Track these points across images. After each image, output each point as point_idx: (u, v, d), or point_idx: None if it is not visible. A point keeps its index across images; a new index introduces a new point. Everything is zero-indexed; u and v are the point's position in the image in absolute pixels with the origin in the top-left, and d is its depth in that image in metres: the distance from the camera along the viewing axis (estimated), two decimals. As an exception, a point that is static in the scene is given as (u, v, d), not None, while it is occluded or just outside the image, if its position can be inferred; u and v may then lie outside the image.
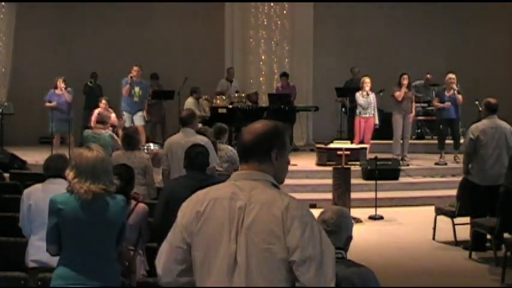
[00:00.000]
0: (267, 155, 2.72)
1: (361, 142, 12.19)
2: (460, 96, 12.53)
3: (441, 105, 12.62)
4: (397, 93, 12.68)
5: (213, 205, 2.68)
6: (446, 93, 12.61)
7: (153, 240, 5.47)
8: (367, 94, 12.72)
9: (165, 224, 5.14)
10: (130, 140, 7.79)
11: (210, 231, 2.65)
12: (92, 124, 12.39)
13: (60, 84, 13.02)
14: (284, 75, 15.07)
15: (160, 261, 2.78)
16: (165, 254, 2.77)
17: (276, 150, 2.74)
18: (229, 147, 8.97)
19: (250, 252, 2.57)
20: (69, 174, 4.03)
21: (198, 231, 2.68)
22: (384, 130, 13.55)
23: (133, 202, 5.35)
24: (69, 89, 13.13)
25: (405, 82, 12.67)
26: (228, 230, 2.62)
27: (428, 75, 15.80)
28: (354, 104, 13.36)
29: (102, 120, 10.25)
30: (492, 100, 8.35)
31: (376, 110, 12.85)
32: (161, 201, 5.59)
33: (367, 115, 12.74)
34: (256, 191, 2.65)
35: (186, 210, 2.75)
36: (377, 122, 12.85)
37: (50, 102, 13.03)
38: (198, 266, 2.68)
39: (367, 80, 12.82)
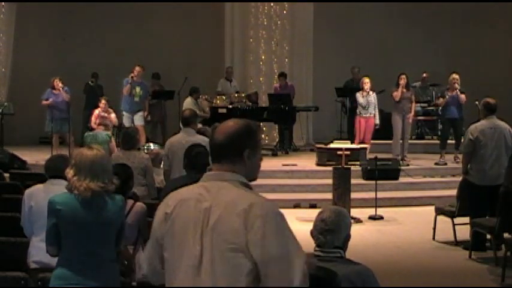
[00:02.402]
0: (239, 155, 2.71)
1: (362, 142, 12.21)
2: (463, 96, 12.54)
3: (443, 101, 12.60)
4: (394, 94, 12.72)
5: (180, 206, 2.69)
6: (449, 93, 12.62)
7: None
8: (368, 93, 12.80)
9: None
10: (128, 139, 7.79)
11: (177, 233, 2.67)
12: (92, 124, 12.45)
13: (58, 84, 13.03)
14: (282, 75, 15.07)
15: (144, 263, 2.87)
16: (145, 250, 2.86)
17: (249, 150, 2.72)
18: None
19: (214, 253, 2.57)
20: (69, 172, 4.05)
21: (166, 232, 2.70)
22: (384, 130, 13.57)
23: (130, 201, 5.34)
24: (66, 88, 13.12)
25: (402, 82, 12.70)
26: (193, 231, 2.62)
27: (424, 74, 15.78)
28: (354, 104, 13.43)
29: (104, 123, 11.22)
30: (491, 100, 8.34)
31: (376, 110, 12.95)
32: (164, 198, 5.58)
33: (368, 115, 12.81)
34: (222, 192, 2.65)
35: (158, 211, 2.78)
36: (377, 121, 12.95)
37: (47, 100, 13.05)
38: (167, 267, 2.71)
39: (366, 80, 12.93)
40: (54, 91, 13.05)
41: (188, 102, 14.15)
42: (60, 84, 13.02)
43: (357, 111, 12.97)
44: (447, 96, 12.58)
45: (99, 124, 11.24)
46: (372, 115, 12.87)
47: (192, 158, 5.62)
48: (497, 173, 7.95)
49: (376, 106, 12.96)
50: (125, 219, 4.37)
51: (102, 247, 4.01)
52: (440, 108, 13.33)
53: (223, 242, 2.56)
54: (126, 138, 7.87)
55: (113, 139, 10.90)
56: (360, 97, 12.86)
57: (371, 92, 12.85)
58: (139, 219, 5.34)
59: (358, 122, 12.92)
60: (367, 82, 12.84)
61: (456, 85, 12.55)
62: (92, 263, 3.96)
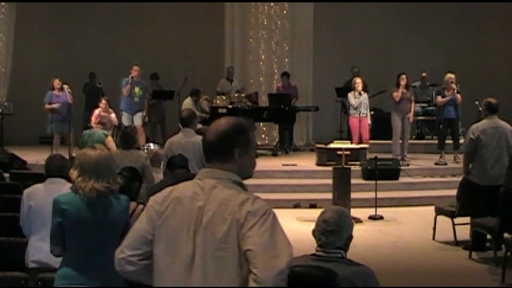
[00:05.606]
0: (229, 153, 2.72)
1: (360, 142, 12.21)
2: (459, 96, 12.56)
3: (445, 99, 12.59)
4: (394, 94, 12.73)
5: (174, 204, 2.70)
6: (446, 92, 12.63)
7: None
8: (360, 94, 12.82)
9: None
10: (127, 139, 7.77)
11: (170, 230, 2.68)
12: (92, 124, 12.45)
13: (57, 84, 12.99)
14: (285, 74, 15.08)
15: (118, 248, 2.82)
16: (125, 241, 2.80)
17: (239, 148, 2.73)
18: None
19: (206, 252, 2.59)
20: (73, 173, 4.05)
21: (159, 228, 2.70)
22: (383, 130, 13.58)
23: (133, 204, 5.32)
24: (65, 86, 13.05)
25: (403, 83, 12.70)
26: (187, 229, 2.64)
27: (423, 74, 15.75)
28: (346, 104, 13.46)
29: (102, 122, 11.22)
30: (492, 100, 8.34)
31: (368, 110, 12.96)
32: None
33: (360, 115, 12.80)
34: (216, 190, 2.66)
35: (151, 205, 2.77)
36: (369, 122, 12.95)
37: (50, 104, 12.99)
38: (157, 264, 2.70)
39: (358, 80, 13.00)
40: (54, 92, 13.03)
41: (187, 103, 14.12)
42: (66, 86, 12.99)
43: (349, 111, 13.01)
44: (447, 97, 12.56)
45: (98, 123, 11.31)
46: (365, 115, 12.88)
47: (171, 159, 5.98)
48: (499, 173, 7.93)
49: (368, 106, 12.99)
50: (129, 220, 4.37)
51: (106, 247, 4.00)
52: (436, 108, 13.31)
53: (215, 241, 2.58)
54: (125, 137, 7.84)
55: (110, 138, 10.92)
56: (351, 98, 12.88)
57: (363, 92, 12.89)
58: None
59: (353, 123, 12.93)
60: (359, 82, 12.89)
61: (453, 85, 12.55)
62: (96, 263, 3.96)
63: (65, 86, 12.99)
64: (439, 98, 12.87)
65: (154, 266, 2.71)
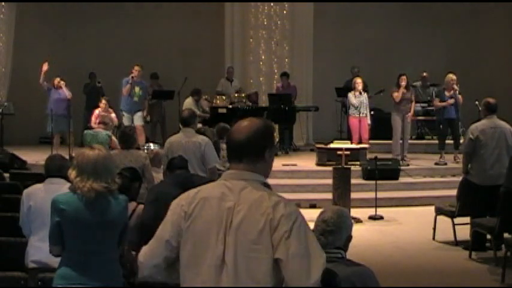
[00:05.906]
0: (260, 154, 2.73)
1: (360, 142, 12.22)
2: (460, 97, 12.57)
3: (443, 103, 12.61)
4: (395, 94, 12.72)
5: (202, 205, 2.68)
6: (446, 93, 12.64)
7: (146, 238, 5.51)
8: (360, 93, 12.82)
9: (157, 221, 5.25)
10: (126, 139, 7.75)
11: (198, 231, 2.66)
12: (92, 124, 12.46)
13: (58, 83, 13.02)
14: (285, 75, 15.09)
15: (143, 255, 2.79)
16: (150, 247, 2.78)
17: (269, 149, 2.74)
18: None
19: (238, 253, 2.57)
20: (72, 173, 4.04)
21: (186, 230, 2.69)
22: (383, 130, 13.58)
23: (132, 204, 5.32)
24: (62, 82, 13.07)
25: (403, 83, 12.70)
26: (216, 230, 2.62)
27: (424, 74, 15.75)
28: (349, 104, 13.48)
29: (103, 122, 11.32)
30: (491, 100, 8.35)
31: (368, 110, 12.98)
32: (150, 198, 5.64)
33: (360, 115, 12.81)
34: (245, 191, 2.66)
35: (176, 208, 2.75)
36: (369, 121, 12.98)
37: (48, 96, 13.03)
38: (185, 266, 2.68)
39: (358, 80, 13.04)
40: (56, 89, 13.07)
41: (188, 103, 14.13)
42: (62, 82, 13.02)
43: (349, 111, 13.02)
44: (447, 98, 12.55)
45: (100, 122, 11.30)
46: (364, 115, 12.89)
47: (171, 160, 5.92)
48: (498, 173, 7.94)
49: (368, 106, 13.00)
50: (128, 220, 4.36)
51: (105, 247, 4.01)
52: (436, 108, 13.32)
53: (247, 241, 2.57)
54: (124, 137, 7.83)
55: (113, 137, 10.92)
56: (352, 97, 12.90)
57: (363, 92, 12.90)
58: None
59: (353, 122, 12.94)
60: (359, 82, 12.93)
61: (455, 86, 12.56)
62: (95, 263, 3.96)
63: (62, 82, 13.01)
64: (437, 102, 12.87)
65: (181, 267, 2.69)
